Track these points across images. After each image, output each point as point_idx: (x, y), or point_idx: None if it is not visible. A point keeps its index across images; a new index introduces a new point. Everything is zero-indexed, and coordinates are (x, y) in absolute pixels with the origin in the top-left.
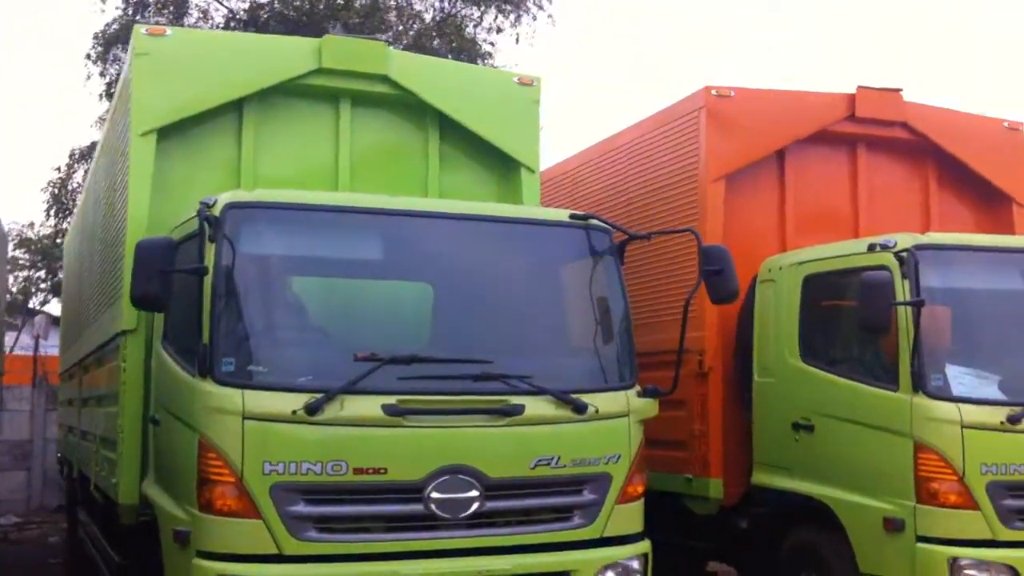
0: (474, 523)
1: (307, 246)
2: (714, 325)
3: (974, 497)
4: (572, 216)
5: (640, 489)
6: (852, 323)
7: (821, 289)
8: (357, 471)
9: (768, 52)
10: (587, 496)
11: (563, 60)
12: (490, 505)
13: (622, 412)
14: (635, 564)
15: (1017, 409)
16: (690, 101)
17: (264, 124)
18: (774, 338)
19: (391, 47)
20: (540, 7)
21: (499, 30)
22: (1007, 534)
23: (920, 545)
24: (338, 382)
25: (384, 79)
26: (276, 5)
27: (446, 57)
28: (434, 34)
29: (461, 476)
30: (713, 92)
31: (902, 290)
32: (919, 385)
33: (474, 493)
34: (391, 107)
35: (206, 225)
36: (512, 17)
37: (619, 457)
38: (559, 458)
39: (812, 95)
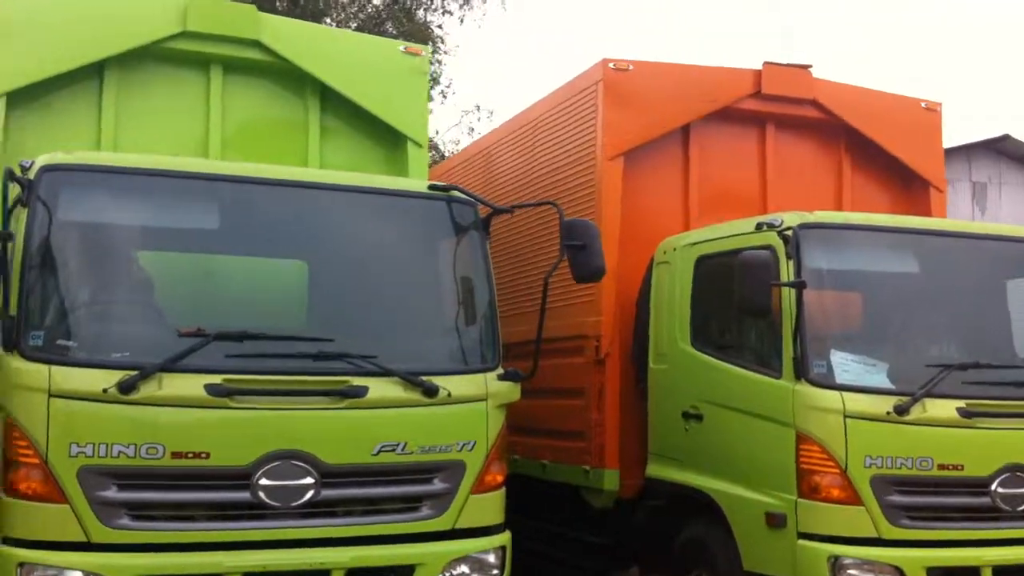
0: (308, 512)
1: (131, 213)
2: (612, 310)
3: (857, 492)
4: (431, 187)
5: (499, 478)
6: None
7: (712, 271)
8: (176, 455)
9: (709, 36)
10: (437, 485)
11: (516, 44)
12: (326, 493)
13: (479, 396)
14: (491, 558)
15: (905, 399)
16: (588, 75)
17: (127, 90)
18: (667, 323)
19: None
20: None
21: (448, 12)
22: (893, 532)
23: (801, 542)
24: (158, 360)
25: (256, 44)
26: None
27: (397, 39)
28: (384, 16)
29: (294, 462)
30: (611, 65)
31: (786, 271)
32: (801, 372)
33: (308, 480)
34: (267, 75)
35: (13, 188)
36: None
37: (474, 444)
38: (405, 444)
39: (717, 70)
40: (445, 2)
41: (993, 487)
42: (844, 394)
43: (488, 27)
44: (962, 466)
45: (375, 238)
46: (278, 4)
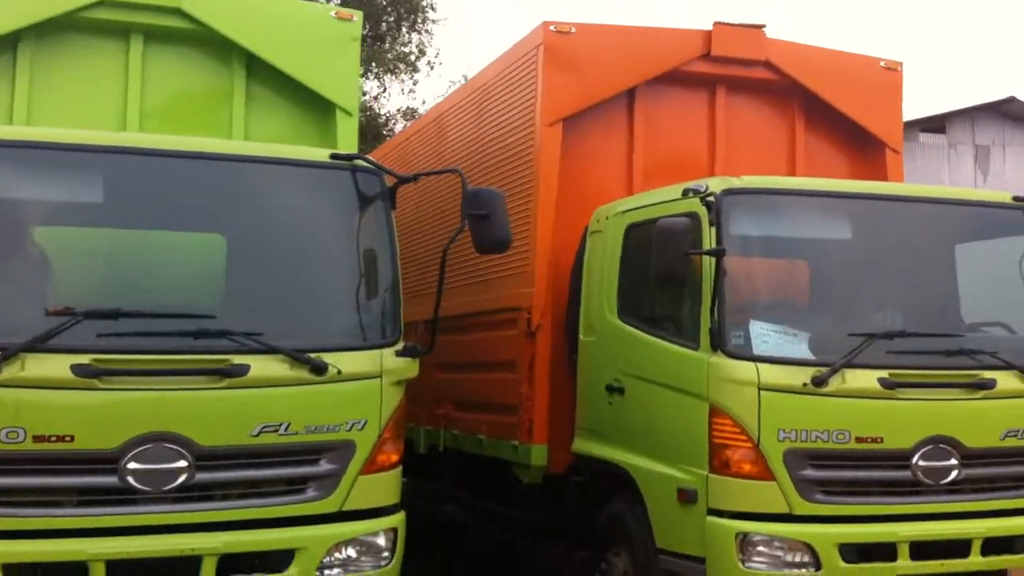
0: (181, 497)
1: (10, 187)
2: (544, 280)
3: (770, 466)
4: (333, 156)
5: (394, 458)
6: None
7: (639, 240)
8: (37, 439)
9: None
10: (324, 466)
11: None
12: (201, 477)
13: (372, 373)
14: (380, 540)
15: (823, 370)
16: (530, 39)
17: (42, 62)
18: (598, 294)
19: None
20: None
21: None
22: (805, 507)
23: (710, 519)
24: (22, 339)
25: (177, 12)
26: None
27: (388, 11)
28: None
29: (166, 445)
30: (552, 28)
31: (708, 238)
32: (717, 343)
33: (181, 464)
34: (190, 43)
35: None
36: None
37: (365, 423)
38: (289, 424)
39: (663, 31)
40: None
41: (914, 460)
42: (760, 365)
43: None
44: (881, 438)
45: (272, 209)
46: None
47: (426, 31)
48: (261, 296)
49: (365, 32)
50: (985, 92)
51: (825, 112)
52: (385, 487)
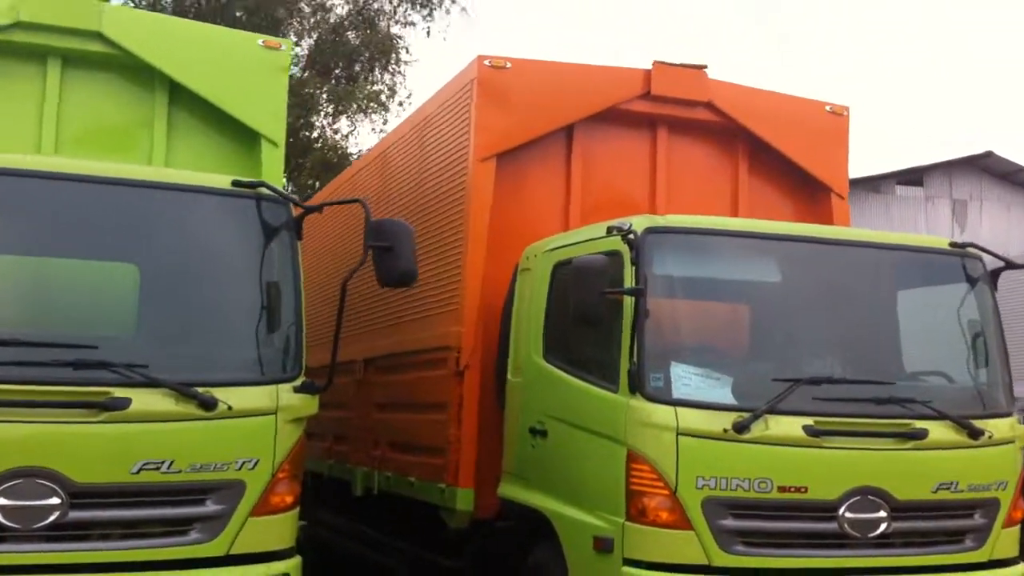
0: (54, 536)
1: None
2: (474, 319)
3: (687, 515)
4: (235, 183)
5: (289, 499)
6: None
7: (565, 278)
8: None
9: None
10: (210, 507)
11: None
12: (75, 515)
13: (266, 409)
14: None
15: (745, 415)
16: (466, 73)
17: None
18: (525, 334)
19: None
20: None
21: (411, 24)
22: (724, 559)
23: (625, 569)
24: None
25: (97, 36)
26: None
27: (362, 51)
28: (347, 25)
29: (37, 480)
30: (486, 63)
31: (629, 277)
32: (636, 386)
33: (53, 501)
34: (111, 68)
35: None
36: (424, 11)
37: (257, 462)
38: (173, 462)
39: (602, 69)
40: (407, 14)
41: (841, 511)
42: (679, 410)
43: (453, 39)
44: (806, 488)
45: (168, 237)
46: (237, 13)
47: (399, 72)
48: (151, 326)
49: (339, 72)
50: (962, 146)
51: (769, 156)
52: (278, 530)
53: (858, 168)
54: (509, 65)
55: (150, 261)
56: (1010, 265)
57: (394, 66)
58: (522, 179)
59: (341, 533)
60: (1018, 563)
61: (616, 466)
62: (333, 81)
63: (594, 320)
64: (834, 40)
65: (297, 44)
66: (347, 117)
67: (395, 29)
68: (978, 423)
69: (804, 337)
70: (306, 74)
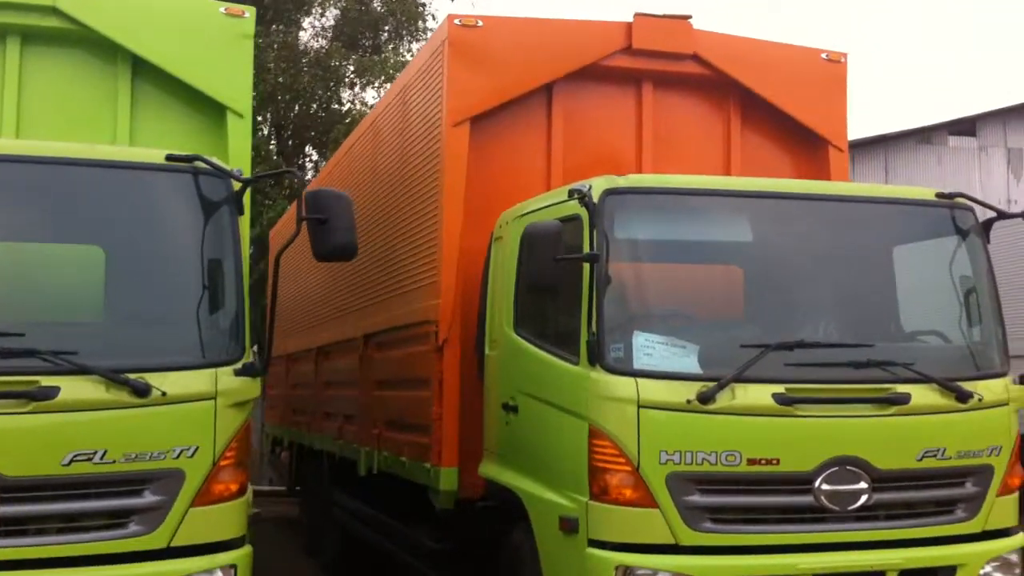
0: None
1: None
2: (452, 291)
3: (652, 492)
4: (169, 157)
5: (234, 487)
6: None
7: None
8: None
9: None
10: (148, 498)
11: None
12: (5, 510)
13: (204, 394)
14: None
15: (710, 385)
16: (438, 34)
17: None
18: (499, 305)
19: None
20: None
21: None
22: (691, 537)
23: (589, 550)
24: None
25: (53, 11)
26: None
27: (387, 19)
28: None
29: None
30: (457, 21)
31: (589, 242)
32: (595, 356)
33: None
34: (72, 44)
35: None
36: None
37: (196, 450)
38: (106, 452)
39: (580, 24)
40: None
41: (816, 484)
42: (640, 381)
43: (481, 3)
44: (777, 460)
45: (101, 216)
46: None
47: (426, 39)
48: (83, 310)
49: (365, 43)
50: (1018, 93)
51: (763, 108)
52: (224, 520)
53: (908, 119)
54: (481, 23)
55: (80, 242)
56: (1002, 215)
57: (421, 33)
58: (500, 143)
59: (353, 514)
60: (1017, 532)
61: (579, 442)
62: (360, 52)
63: (547, 288)
64: None
65: (323, 15)
66: (374, 88)
67: None
68: (968, 385)
69: (778, 300)
70: (332, 46)
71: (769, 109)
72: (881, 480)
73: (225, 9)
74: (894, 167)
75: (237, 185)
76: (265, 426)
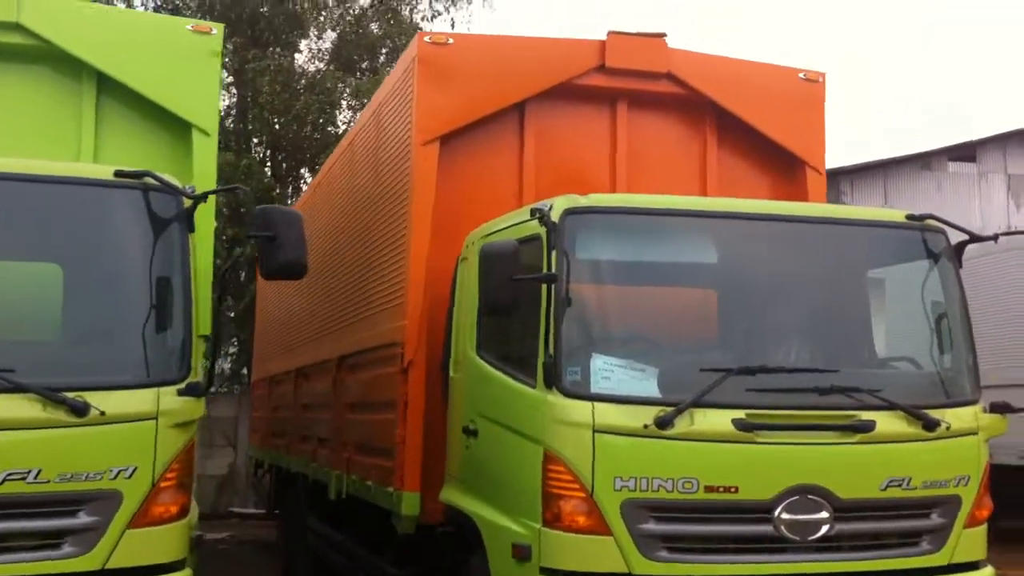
0: None
1: None
2: (419, 313)
3: (605, 519)
4: (118, 173)
5: (174, 509)
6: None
7: None
8: None
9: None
10: (82, 519)
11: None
12: None
13: (145, 414)
14: None
15: (668, 410)
16: (408, 52)
17: None
18: (462, 327)
19: None
20: None
21: (436, 14)
22: (645, 566)
23: None
24: None
25: (16, 27)
26: None
27: (384, 42)
28: (370, 14)
29: None
30: (427, 39)
31: (547, 263)
32: (551, 379)
33: None
34: (36, 60)
35: None
36: (447, 1)
37: (134, 470)
38: (40, 471)
39: (552, 42)
40: (432, 3)
41: (776, 513)
42: (597, 405)
43: (478, 27)
44: (736, 488)
45: (48, 232)
46: (263, 8)
47: None
48: (24, 327)
49: (363, 66)
50: (1018, 119)
51: (739, 128)
52: (163, 542)
53: (909, 144)
54: (451, 41)
55: (26, 258)
56: (975, 238)
57: None
58: (471, 162)
59: (324, 539)
60: (985, 566)
61: (534, 467)
62: (357, 75)
63: (501, 310)
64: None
65: (319, 38)
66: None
67: (418, 20)
68: (936, 412)
69: (744, 324)
70: (329, 68)
71: (745, 129)
72: (843, 510)
73: (192, 27)
74: (894, 193)
75: (188, 202)
76: (249, 448)
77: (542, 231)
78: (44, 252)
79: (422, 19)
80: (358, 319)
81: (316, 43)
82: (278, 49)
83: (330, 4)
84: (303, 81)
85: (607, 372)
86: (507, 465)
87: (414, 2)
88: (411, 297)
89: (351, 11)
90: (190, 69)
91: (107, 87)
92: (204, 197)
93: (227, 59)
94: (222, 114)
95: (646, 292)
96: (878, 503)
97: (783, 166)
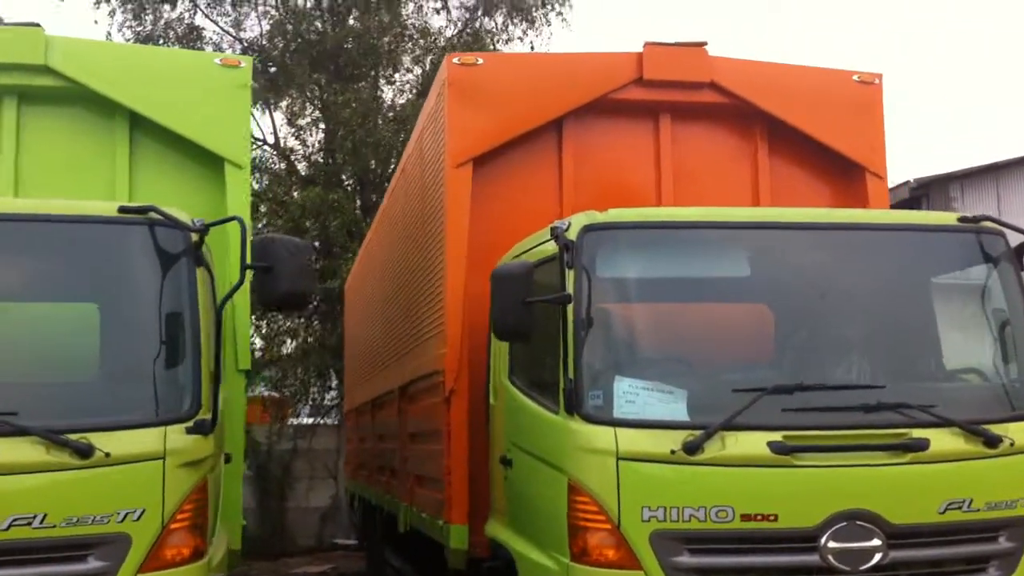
0: None
1: None
2: (458, 339)
3: (635, 552)
4: (122, 209)
5: (186, 552)
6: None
7: None
8: None
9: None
10: (91, 564)
11: None
12: None
13: (151, 454)
14: None
15: (696, 434)
16: (440, 75)
17: None
18: (497, 353)
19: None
20: (552, 9)
21: (517, 39)
22: None
23: None
24: None
25: (45, 70)
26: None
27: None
28: (456, 45)
29: None
30: (455, 60)
31: (561, 283)
32: (572, 405)
33: None
34: (68, 102)
35: None
36: (523, 26)
37: (142, 513)
38: (45, 516)
39: (587, 57)
40: (509, 29)
41: (823, 541)
42: (619, 430)
43: (558, 48)
44: (775, 516)
45: (51, 271)
46: (347, 43)
47: None
48: (28, 368)
49: None
50: None
51: (792, 136)
52: None
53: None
54: (481, 61)
55: (34, 298)
56: None
57: None
58: (508, 182)
59: (397, 572)
60: None
61: (560, 498)
62: None
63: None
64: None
65: (409, 71)
66: None
67: (500, 46)
68: (997, 428)
69: (779, 341)
70: (408, 99)
71: (798, 137)
72: (898, 536)
73: (221, 60)
74: (1007, 197)
75: (195, 237)
76: (345, 479)
77: (559, 250)
78: (50, 292)
79: (502, 43)
80: (413, 347)
81: (404, 75)
82: (363, 84)
83: (415, 36)
84: (391, 114)
85: (631, 396)
86: (538, 496)
87: (497, 30)
88: (450, 324)
89: (437, 43)
90: (220, 103)
91: (139, 125)
92: (206, 229)
93: (312, 95)
94: (312, 149)
95: (673, 310)
96: (937, 528)
97: (841, 173)
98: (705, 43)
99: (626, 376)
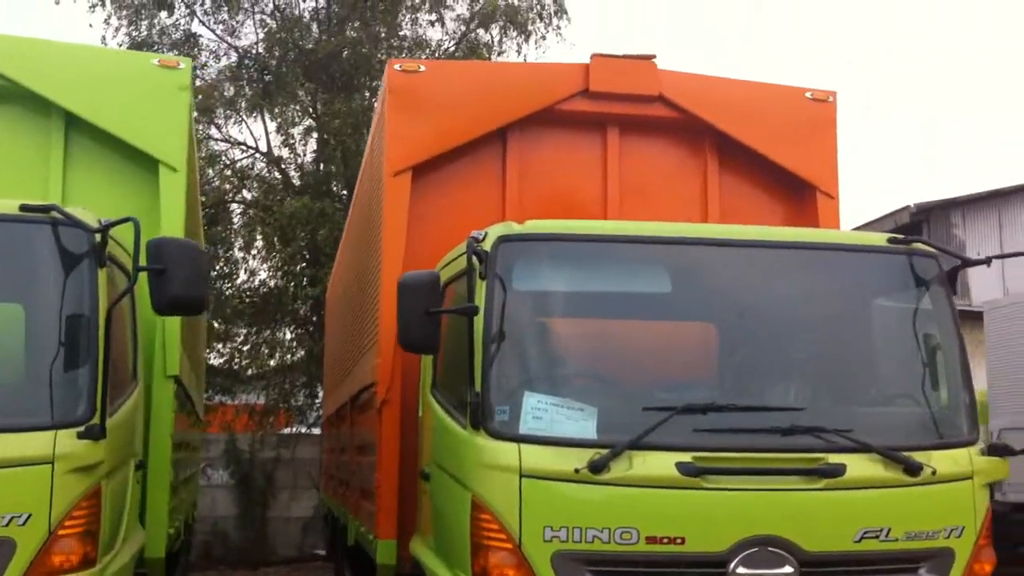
0: None
1: None
2: (391, 350)
3: (535, 573)
4: (23, 208)
5: (75, 559)
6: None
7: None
8: None
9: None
10: None
11: None
12: None
13: (38, 458)
14: None
15: (603, 452)
16: (383, 83)
17: None
18: (424, 365)
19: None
20: (549, 23)
21: (513, 52)
22: None
23: None
24: None
25: None
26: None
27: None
28: (453, 51)
29: None
30: (397, 67)
31: (469, 293)
32: (478, 420)
33: None
34: (3, 100)
35: None
36: (520, 38)
37: (28, 518)
38: None
39: (533, 67)
40: (504, 43)
41: (731, 567)
42: (523, 447)
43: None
44: (683, 539)
45: None
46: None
47: None
48: None
49: None
50: None
51: (742, 153)
52: None
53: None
54: (423, 68)
55: None
56: (967, 263)
57: None
58: (451, 192)
59: None
60: None
61: (465, 515)
62: None
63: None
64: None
65: None
66: None
67: (495, 57)
68: (920, 455)
69: (694, 360)
70: None
71: (749, 153)
72: (811, 564)
73: (159, 61)
74: (1010, 224)
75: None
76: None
77: (470, 259)
78: None
79: (496, 56)
80: (359, 358)
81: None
82: (356, 95)
83: (411, 48)
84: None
85: (539, 412)
86: (448, 513)
87: (494, 44)
88: (383, 334)
89: (434, 56)
90: (157, 105)
91: (75, 124)
92: (106, 229)
93: (305, 104)
94: (304, 159)
95: (588, 325)
96: (852, 556)
97: (791, 191)
98: (654, 56)
99: (535, 392)
